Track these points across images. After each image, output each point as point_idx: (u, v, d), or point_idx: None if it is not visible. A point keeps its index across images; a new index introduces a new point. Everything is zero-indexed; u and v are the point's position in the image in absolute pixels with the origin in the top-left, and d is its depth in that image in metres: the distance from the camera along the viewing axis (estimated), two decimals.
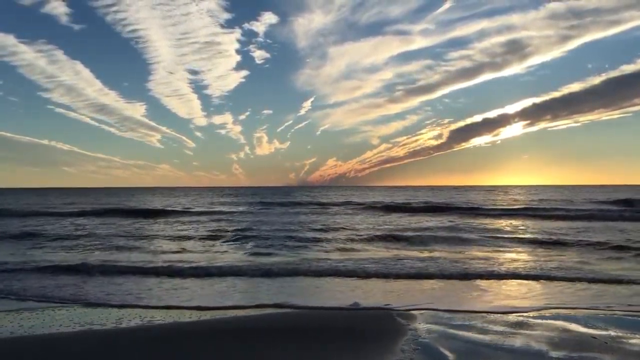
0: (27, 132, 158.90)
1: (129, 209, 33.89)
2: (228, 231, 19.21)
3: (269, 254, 13.20)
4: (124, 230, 20.21)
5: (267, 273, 10.06)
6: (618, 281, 9.02)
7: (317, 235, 17.68)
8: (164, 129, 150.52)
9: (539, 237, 16.47)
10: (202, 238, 17.41)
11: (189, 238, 17.41)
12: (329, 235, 17.52)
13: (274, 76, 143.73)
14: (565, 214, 26.08)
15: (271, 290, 8.61)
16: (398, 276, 9.68)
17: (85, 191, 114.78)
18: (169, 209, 34.54)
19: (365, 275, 9.82)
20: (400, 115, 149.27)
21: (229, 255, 13.40)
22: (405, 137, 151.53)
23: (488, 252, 13.42)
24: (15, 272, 10.32)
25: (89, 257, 12.58)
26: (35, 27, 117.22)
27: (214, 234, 18.60)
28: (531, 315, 6.59)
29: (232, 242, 16.18)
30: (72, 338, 5.64)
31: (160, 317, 6.62)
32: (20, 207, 37.03)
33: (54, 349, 5.21)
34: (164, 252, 13.85)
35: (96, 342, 5.46)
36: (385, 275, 9.75)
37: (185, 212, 31.65)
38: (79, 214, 29.99)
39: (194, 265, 11.06)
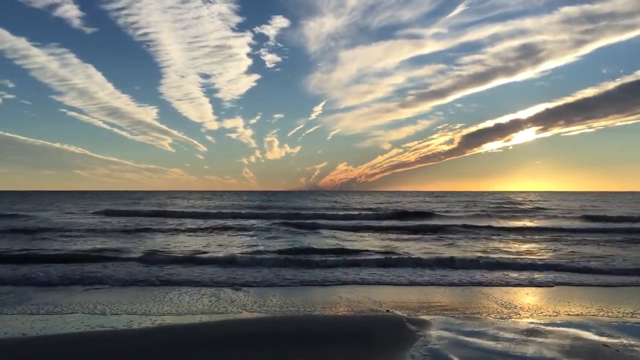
0: (40, 136, 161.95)
1: None
2: None
3: None
4: None
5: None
6: None
7: None
8: (175, 132, 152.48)
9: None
10: None
11: None
12: None
13: (284, 80, 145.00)
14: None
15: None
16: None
17: (72, 195, 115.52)
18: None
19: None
20: (411, 120, 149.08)
21: None
22: (416, 142, 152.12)
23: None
24: None
25: None
26: (48, 30, 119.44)
27: None
28: (543, 322, 6.56)
29: None
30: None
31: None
32: None
33: (67, 351, 5.28)
34: None
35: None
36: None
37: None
38: None
39: None
